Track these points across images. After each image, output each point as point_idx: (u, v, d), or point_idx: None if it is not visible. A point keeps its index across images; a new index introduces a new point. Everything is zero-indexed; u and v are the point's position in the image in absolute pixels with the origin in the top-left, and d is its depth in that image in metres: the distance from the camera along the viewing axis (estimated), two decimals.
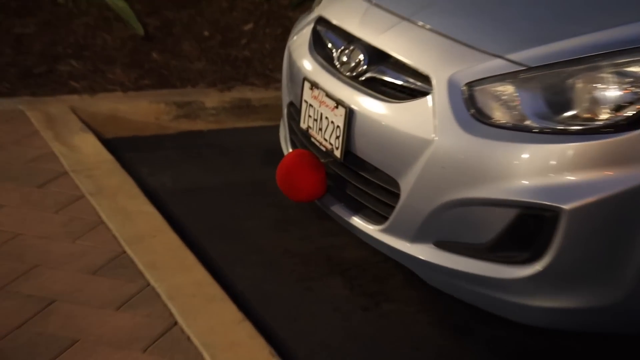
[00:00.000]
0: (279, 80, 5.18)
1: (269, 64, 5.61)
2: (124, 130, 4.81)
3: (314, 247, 3.68)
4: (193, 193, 4.19)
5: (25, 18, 5.93)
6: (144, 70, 5.30)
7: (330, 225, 3.56)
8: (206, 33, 6.06)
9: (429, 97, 2.79)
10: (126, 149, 4.61)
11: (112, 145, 4.55)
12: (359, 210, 3.14)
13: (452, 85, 2.76)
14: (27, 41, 5.59)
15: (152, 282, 2.96)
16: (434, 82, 2.79)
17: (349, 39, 3.26)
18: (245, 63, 5.59)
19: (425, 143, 2.74)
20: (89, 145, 4.24)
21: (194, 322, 2.77)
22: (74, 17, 6.10)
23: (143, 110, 4.88)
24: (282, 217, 3.94)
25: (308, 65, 3.44)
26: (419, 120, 2.80)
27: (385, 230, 2.96)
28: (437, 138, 2.71)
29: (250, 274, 3.40)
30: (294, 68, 3.57)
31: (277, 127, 4.64)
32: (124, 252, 3.17)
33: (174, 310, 2.83)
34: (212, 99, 5.07)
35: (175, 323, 2.76)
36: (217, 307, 2.91)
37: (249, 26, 6.14)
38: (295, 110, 3.60)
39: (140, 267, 3.07)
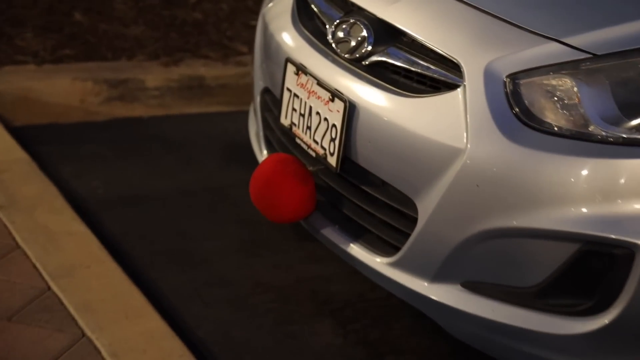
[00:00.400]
0: (241, 53, 5.10)
1: (226, 30, 5.47)
2: (39, 116, 4.65)
3: (293, 278, 3.54)
4: (133, 203, 4.02)
5: None
6: (63, 36, 5.11)
7: (313, 247, 3.48)
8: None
9: (458, 92, 2.62)
10: (42, 142, 4.45)
11: (24, 136, 4.38)
12: (360, 236, 2.97)
13: (490, 76, 2.59)
14: None
15: (89, 332, 2.77)
16: (465, 71, 2.61)
17: (347, 9, 3.10)
18: (195, 28, 5.44)
19: (453, 153, 2.56)
20: None
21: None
22: None
23: (64, 89, 4.70)
24: (251, 237, 3.81)
25: (291, 41, 3.26)
26: (445, 122, 2.63)
27: (395, 265, 2.79)
28: (469, 146, 2.53)
29: (214, 315, 3.25)
30: (271, 44, 3.38)
31: (238, 114, 4.65)
32: (49, 288, 2.98)
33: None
34: (154, 76, 4.91)
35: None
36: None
37: None
38: (272, 100, 3.43)
39: (72, 310, 2.88)
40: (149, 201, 3.99)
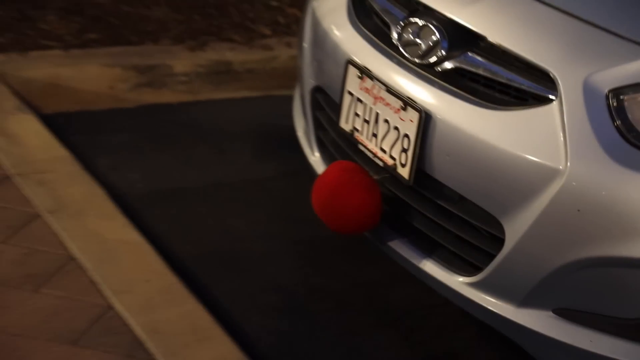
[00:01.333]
0: (265, 35, 4.97)
1: (248, 12, 5.20)
2: (68, 104, 4.36)
3: (349, 283, 3.28)
4: (173, 198, 3.73)
5: None
6: (87, 19, 4.83)
7: (364, 249, 3.23)
8: None
9: (553, 106, 2.31)
10: (75, 131, 4.14)
11: (56, 126, 4.08)
12: (433, 251, 2.69)
13: (589, 90, 2.28)
14: None
15: (159, 357, 2.43)
16: (561, 84, 2.30)
17: (412, 8, 2.79)
18: (217, 10, 5.17)
19: (549, 172, 2.26)
20: (32, 132, 3.77)
21: None
22: None
23: (93, 76, 4.41)
24: (299, 237, 3.52)
25: (351, 41, 2.95)
26: (539, 139, 2.32)
27: (476, 285, 2.52)
28: (570, 167, 2.22)
29: (274, 326, 2.99)
30: (325, 42, 3.08)
31: (266, 99, 4.55)
32: (111, 306, 2.65)
33: None
34: (181, 61, 4.63)
35: None
36: None
37: None
38: (325, 100, 3.13)
39: (138, 332, 2.58)
40: (188, 196, 3.74)
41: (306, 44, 3.27)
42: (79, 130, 4.13)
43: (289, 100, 4.10)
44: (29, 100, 4.11)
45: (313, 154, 3.19)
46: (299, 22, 4.91)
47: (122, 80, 4.44)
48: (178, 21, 4.91)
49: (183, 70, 4.53)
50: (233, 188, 3.84)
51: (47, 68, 4.30)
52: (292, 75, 4.39)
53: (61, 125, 4.13)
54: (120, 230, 3.14)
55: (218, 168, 4.00)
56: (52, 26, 4.64)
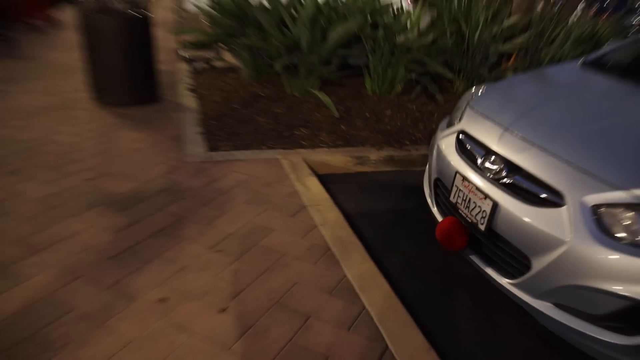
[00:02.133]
0: (408, 145, 4.79)
1: (401, 135, 4.91)
2: (329, 170, 4.23)
3: (457, 271, 2.94)
4: (369, 215, 3.50)
5: (278, 103, 5.65)
6: (337, 135, 4.76)
7: (461, 257, 2.89)
8: (367, 115, 5.47)
9: (563, 209, 2.11)
10: (330, 182, 4.04)
11: (324, 179, 4.06)
12: (494, 265, 2.51)
13: (582, 204, 2.08)
14: (280, 116, 5.19)
15: (367, 305, 2.30)
16: (568, 199, 2.13)
17: (488, 151, 2.59)
18: (388, 134, 4.92)
19: (559, 241, 2.07)
20: (315, 185, 3.65)
21: (399, 348, 2.10)
22: (302, 103, 5.72)
23: (338, 159, 4.25)
24: (432, 238, 3.21)
25: (458, 163, 2.75)
26: (555, 224, 2.10)
27: (514, 285, 2.34)
28: (570, 241, 2.03)
29: (436, 302, 2.61)
30: (444, 160, 2.91)
31: (407, 172, 4.26)
32: (345, 276, 2.50)
33: (384, 334, 2.20)
34: (373, 154, 4.41)
35: (387, 347, 2.05)
36: (410, 333, 2.22)
37: (389, 112, 5.45)
38: (442, 185, 2.94)
39: (357, 290, 2.38)
40: (376, 215, 3.47)
41: (433, 157, 3.09)
42: (332, 181, 4.01)
43: (419, 173, 4.09)
44: (314, 168, 4.09)
45: (433, 207, 3.00)
46: (424, 140, 4.68)
47: (350, 162, 4.26)
48: (372, 137, 4.76)
49: (374, 158, 4.32)
50: (393, 211, 3.59)
51: (321, 156, 4.18)
52: (421, 163, 4.34)
53: (326, 178, 4.04)
54: (350, 238, 2.98)
55: (388, 201, 3.74)
56: (324, 138, 4.58)
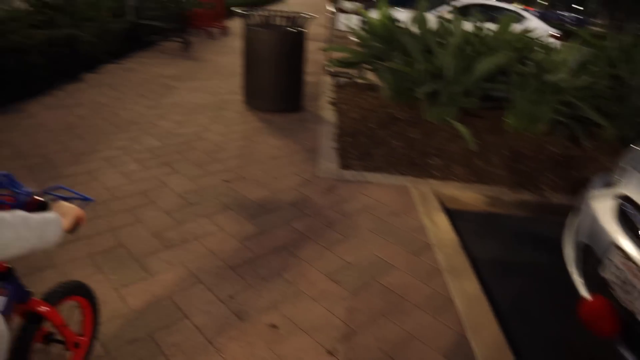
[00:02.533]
0: (545, 191, 4.19)
1: (539, 179, 4.26)
2: (458, 205, 3.77)
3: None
4: (499, 267, 2.98)
5: (413, 127, 5.28)
6: (471, 170, 4.29)
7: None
8: (504, 152, 4.88)
9: None
10: (458, 218, 3.57)
11: (452, 214, 3.59)
12: None
13: None
14: (414, 142, 4.81)
15: None
16: None
17: None
18: (525, 175, 4.32)
19: None
20: (442, 222, 3.26)
21: None
22: (438, 131, 5.27)
23: (469, 195, 3.80)
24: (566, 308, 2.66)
25: (617, 235, 2.19)
26: None
27: None
28: None
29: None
30: (597, 225, 2.35)
31: (540, 219, 3.66)
32: (468, 342, 2.09)
33: None
34: (506, 195, 3.87)
35: None
36: None
37: (528, 152, 4.80)
38: (590, 252, 2.37)
39: (478, 358, 1.95)
40: (508, 267, 2.98)
41: (582, 217, 2.53)
42: (460, 219, 3.54)
43: (553, 223, 3.48)
44: (443, 202, 3.69)
45: (578, 278, 2.43)
46: (563, 187, 4.06)
47: (480, 199, 3.78)
48: (508, 177, 4.17)
49: (507, 199, 3.79)
50: (526, 265, 3.04)
51: (452, 189, 3.79)
52: (557, 212, 3.71)
53: (454, 214, 3.59)
54: (476, 291, 2.56)
55: (519, 251, 3.20)
56: (457, 171, 4.15)
